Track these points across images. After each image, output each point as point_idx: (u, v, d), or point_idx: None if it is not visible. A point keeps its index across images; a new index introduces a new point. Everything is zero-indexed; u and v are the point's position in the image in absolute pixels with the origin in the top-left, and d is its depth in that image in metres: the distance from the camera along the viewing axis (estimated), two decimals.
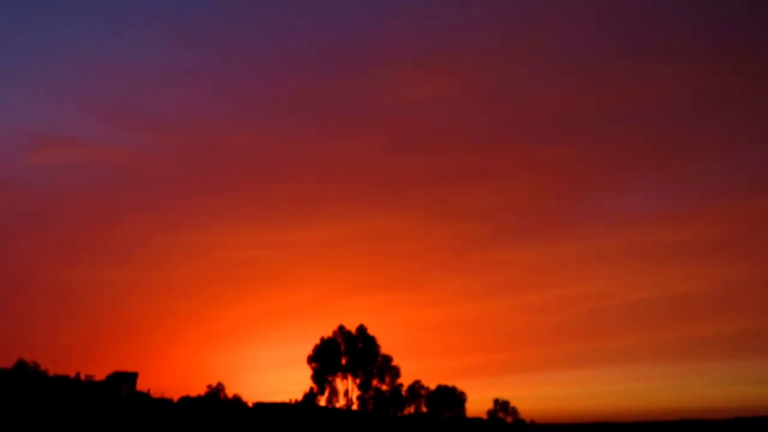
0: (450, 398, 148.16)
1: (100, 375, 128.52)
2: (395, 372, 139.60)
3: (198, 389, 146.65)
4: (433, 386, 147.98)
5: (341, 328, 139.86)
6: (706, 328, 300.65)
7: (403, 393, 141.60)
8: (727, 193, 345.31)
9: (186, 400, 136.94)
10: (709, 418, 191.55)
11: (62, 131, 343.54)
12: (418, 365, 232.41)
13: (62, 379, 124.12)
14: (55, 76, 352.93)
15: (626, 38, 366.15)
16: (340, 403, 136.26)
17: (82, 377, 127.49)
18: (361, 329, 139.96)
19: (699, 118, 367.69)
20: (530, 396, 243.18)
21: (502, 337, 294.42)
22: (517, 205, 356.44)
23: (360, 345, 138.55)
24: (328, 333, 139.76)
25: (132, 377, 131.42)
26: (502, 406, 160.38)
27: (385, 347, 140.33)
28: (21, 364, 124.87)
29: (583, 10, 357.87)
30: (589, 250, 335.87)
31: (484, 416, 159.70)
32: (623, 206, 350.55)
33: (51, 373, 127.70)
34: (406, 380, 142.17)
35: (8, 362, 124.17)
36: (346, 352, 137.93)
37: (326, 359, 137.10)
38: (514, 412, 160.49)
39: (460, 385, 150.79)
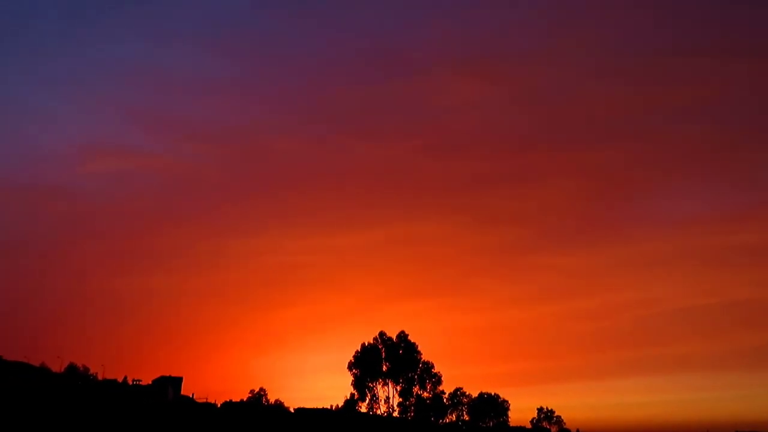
0: (492, 406, 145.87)
1: (146, 379, 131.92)
2: (437, 379, 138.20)
3: (241, 394, 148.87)
4: (475, 393, 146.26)
5: (382, 334, 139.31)
6: (765, 335, 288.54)
7: (445, 400, 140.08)
8: None
9: (229, 405, 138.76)
10: (766, 430, 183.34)
11: (112, 142, 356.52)
12: (459, 372, 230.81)
13: (111, 383, 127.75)
14: (104, 90, 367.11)
15: (676, 35, 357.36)
16: (381, 409, 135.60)
17: (130, 381, 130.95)
18: (402, 335, 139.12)
19: (755, 116, 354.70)
20: (576, 405, 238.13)
21: (547, 344, 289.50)
22: (561, 209, 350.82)
23: (401, 351, 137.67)
24: (369, 339, 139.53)
25: (177, 381, 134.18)
26: (546, 414, 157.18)
27: (426, 354, 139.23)
28: (72, 368, 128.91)
29: (630, 8, 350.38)
30: (638, 254, 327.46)
31: (528, 425, 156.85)
32: (675, 208, 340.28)
33: (100, 377, 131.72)
34: (447, 387, 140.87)
35: (59, 366, 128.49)
36: (386, 358, 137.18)
37: (367, 365, 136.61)
38: (559, 421, 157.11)
39: (503, 393, 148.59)
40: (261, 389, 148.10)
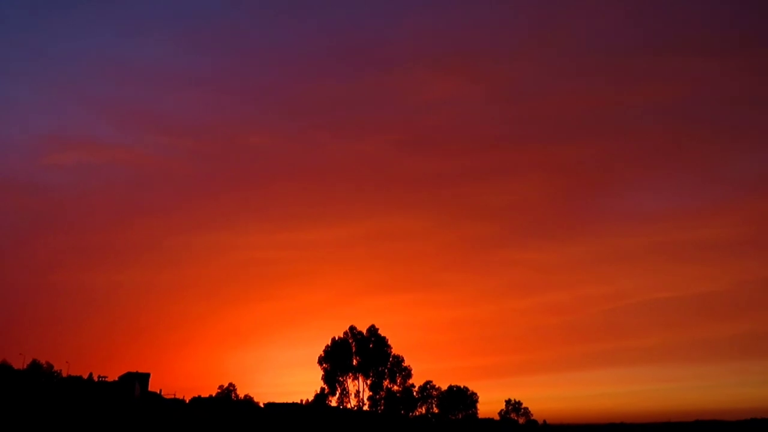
0: (462, 399, 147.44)
1: (112, 375, 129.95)
2: (407, 372, 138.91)
3: (209, 390, 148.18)
4: (444, 387, 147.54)
5: (352, 328, 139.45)
6: (727, 328, 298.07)
7: (415, 393, 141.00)
8: (751, 189, 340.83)
9: (198, 401, 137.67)
10: (726, 419, 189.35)
11: (77, 134, 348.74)
12: (429, 366, 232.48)
13: (75, 380, 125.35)
14: (70, 80, 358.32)
15: (646, 34, 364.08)
16: (352, 403, 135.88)
17: (95, 378, 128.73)
18: (372, 330, 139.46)
19: (721, 114, 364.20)
20: (543, 397, 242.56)
21: (515, 338, 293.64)
22: (531, 205, 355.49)
23: (371, 345, 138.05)
24: (339, 333, 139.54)
25: (144, 378, 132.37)
26: (514, 406, 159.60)
27: (397, 348, 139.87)
28: (35, 365, 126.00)
29: (602, 6, 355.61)
30: (605, 249, 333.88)
31: (496, 417, 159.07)
32: (642, 204, 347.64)
33: (64, 373, 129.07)
34: (417, 381, 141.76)
35: (22, 363, 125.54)
36: (357, 352, 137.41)
37: (337, 360, 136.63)
38: (526, 412, 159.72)
39: (472, 386, 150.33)
40: (230, 385, 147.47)
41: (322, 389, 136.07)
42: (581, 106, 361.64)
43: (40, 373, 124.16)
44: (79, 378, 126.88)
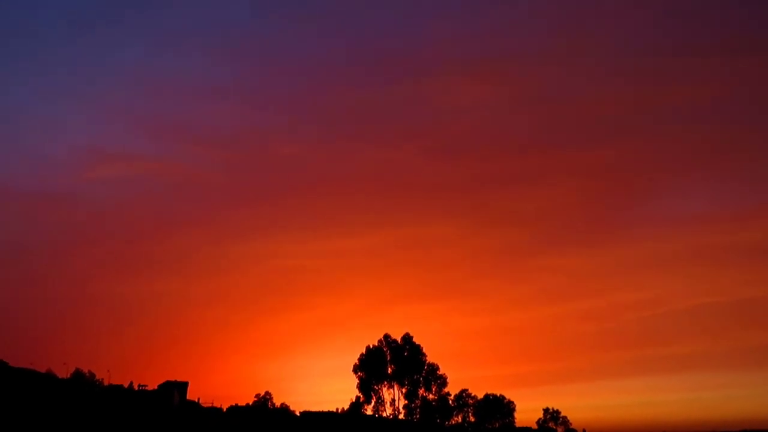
0: (498, 407, 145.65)
1: (152, 384, 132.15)
2: (442, 381, 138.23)
3: (246, 398, 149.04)
4: (480, 395, 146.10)
5: (387, 336, 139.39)
6: None
7: (451, 402, 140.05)
8: None
9: (235, 409, 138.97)
10: None
11: (116, 147, 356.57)
12: (465, 374, 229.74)
13: (117, 389, 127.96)
14: (108, 95, 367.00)
15: (678, 35, 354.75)
16: (387, 412, 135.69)
17: (135, 386, 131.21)
18: (407, 338, 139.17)
19: (758, 115, 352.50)
20: (581, 405, 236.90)
21: (552, 345, 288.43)
22: (563, 210, 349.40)
23: (406, 354, 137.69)
24: (373, 342, 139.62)
25: (183, 386, 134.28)
26: (552, 415, 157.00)
27: (432, 356, 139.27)
28: (78, 374, 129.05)
29: (633, 8, 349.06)
30: (640, 255, 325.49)
31: (534, 426, 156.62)
32: (677, 208, 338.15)
33: (106, 382, 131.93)
34: (453, 389, 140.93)
35: (66, 372, 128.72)
36: (392, 360, 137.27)
37: (372, 368, 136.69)
38: (564, 421, 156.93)
39: (509, 394, 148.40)
40: (266, 393, 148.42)
41: (358, 398, 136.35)
42: (610, 109, 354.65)
43: (83, 382, 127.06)
44: (120, 387, 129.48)
